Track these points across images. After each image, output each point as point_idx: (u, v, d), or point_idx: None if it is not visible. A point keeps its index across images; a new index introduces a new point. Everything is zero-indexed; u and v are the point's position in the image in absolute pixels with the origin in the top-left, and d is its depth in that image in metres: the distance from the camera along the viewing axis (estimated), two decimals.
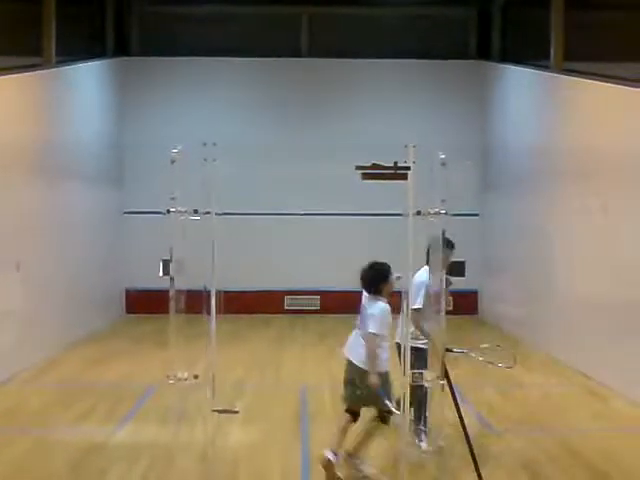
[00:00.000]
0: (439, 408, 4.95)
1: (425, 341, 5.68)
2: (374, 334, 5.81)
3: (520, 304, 12.54)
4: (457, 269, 4.92)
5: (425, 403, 5.70)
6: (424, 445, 6.22)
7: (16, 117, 10.07)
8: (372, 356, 5.76)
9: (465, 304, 10.14)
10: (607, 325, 9.17)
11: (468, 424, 5.40)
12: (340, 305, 14.84)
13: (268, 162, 14.34)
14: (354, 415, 5.96)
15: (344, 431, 5.92)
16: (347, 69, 15.28)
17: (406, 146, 4.66)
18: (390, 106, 15.14)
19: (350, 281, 15.14)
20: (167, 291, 4.94)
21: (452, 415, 5.44)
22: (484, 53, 15.32)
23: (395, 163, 4.62)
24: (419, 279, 6.13)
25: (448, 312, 5.03)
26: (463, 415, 5.41)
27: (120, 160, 14.94)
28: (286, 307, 15.33)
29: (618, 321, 8.86)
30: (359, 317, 6.18)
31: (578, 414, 8.14)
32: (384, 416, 5.78)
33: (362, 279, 6.33)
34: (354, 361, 5.93)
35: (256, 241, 14.97)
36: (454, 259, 5.11)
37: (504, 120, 14.23)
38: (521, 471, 6.17)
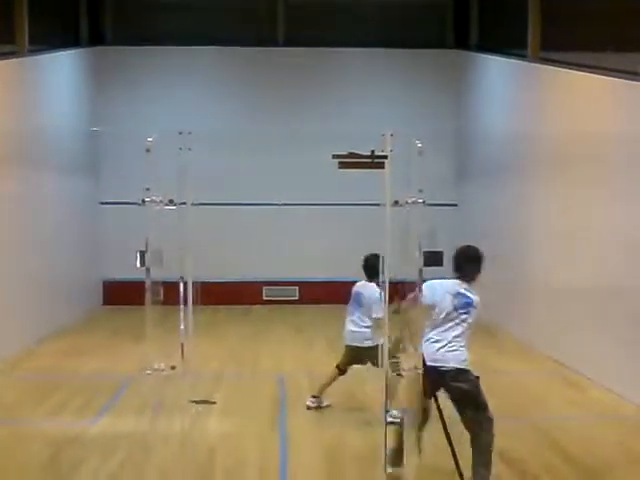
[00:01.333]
0: (416, 399, 4.96)
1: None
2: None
3: (498, 293, 12.59)
4: (435, 259, 4.91)
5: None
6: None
7: None
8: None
9: None
10: (584, 314, 9.25)
11: (446, 413, 5.41)
12: (319, 295, 14.90)
13: (244, 151, 14.29)
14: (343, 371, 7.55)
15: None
16: (324, 58, 15.23)
17: (383, 135, 4.65)
18: (367, 95, 15.13)
19: (328, 271, 15.27)
20: (144, 282, 4.90)
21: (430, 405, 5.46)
22: (461, 42, 15.33)
23: (372, 152, 4.61)
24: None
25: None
26: (440, 403, 5.43)
27: (95, 150, 14.79)
28: (264, 298, 15.30)
29: (595, 310, 8.94)
30: (352, 303, 7.36)
31: (555, 402, 8.21)
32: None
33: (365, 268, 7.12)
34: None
35: (233, 231, 14.92)
36: (432, 249, 5.10)
37: (481, 109, 14.26)
38: (497, 459, 6.19)
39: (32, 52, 11.69)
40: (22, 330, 10.62)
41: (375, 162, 4.55)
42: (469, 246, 5.79)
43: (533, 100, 11.41)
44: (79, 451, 6.39)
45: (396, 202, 4.69)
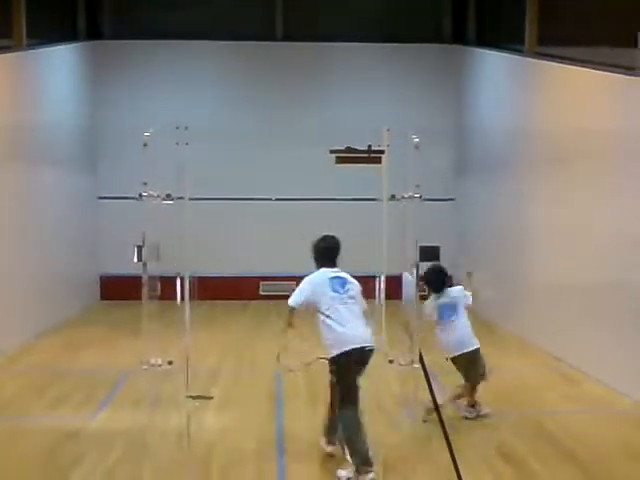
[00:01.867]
0: (413, 392, 4.98)
1: None
2: None
3: (494, 288, 12.61)
4: (431, 254, 4.93)
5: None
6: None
7: None
8: None
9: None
10: (582, 309, 9.26)
11: (442, 407, 5.42)
12: None
13: (241, 146, 14.28)
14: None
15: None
16: (322, 53, 15.21)
17: (380, 129, 4.66)
18: (365, 90, 15.10)
19: None
20: (142, 277, 4.91)
21: (426, 398, 5.48)
22: (459, 37, 15.32)
23: (369, 147, 4.62)
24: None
25: (423, 297, 5.06)
26: (437, 398, 5.44)
27: (93, 144, 14.78)
28: (261, 293, 15.29)
29: (593, 306, 8.95)
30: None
31: (550, 396, 8.23)
32: None
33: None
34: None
35: (230, 226, 14.91)
36: (428, 244, 5.11)
37: (479, 104, 14.26)
38: (494, 453, 6.23)
39: (30, 46, 11.67)
40: (20, 325, 10.62)
41: (372, 157, 4.56)
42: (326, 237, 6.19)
43: (530, 95, 11.41)
44: (77, 446, 6.40)
45: (393, 197, 4.70)
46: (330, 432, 5.96)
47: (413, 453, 5.67)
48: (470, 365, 7.12)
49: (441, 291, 7.24)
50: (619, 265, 8.30)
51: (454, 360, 7.15)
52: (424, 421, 6.44)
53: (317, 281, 5.87)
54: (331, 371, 5.71)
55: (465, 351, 7.11)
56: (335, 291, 5.79)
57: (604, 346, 8.52)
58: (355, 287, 5.90)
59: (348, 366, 5.59)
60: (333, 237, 6.25)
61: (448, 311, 7.18)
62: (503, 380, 8.78)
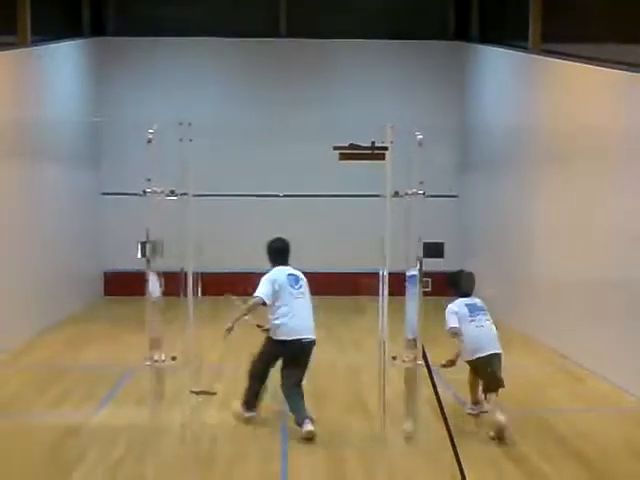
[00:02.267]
0: (416, 389, 4.96)
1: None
2: None
3: (498, 285, 12.60)
4: (435, 250, 4.91)
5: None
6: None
7: None
8: None
9: (443, 285, 10.17)
10: (584, 306, 9.25)
11: (446, 404, 5.42)
12: (319, 287, 14.84)
13: (245, 142, 14.25)
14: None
15: None
16: (325, 49, 15.20)
17: (384, 126, 4.64)
18: (368, 86, 15.09)
19: (329, 262, 15.25)
20: (145, 273, 4.90)
21: (430, 395, 5.47)
22: (463, 34, 15.28)
23: (372, 143, 4.60)
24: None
25: (426, 294, 5.03)
26: (441, 395, 5.43)
27: (97, 141, 14.79)
28: None
29: (597, 303, 8.94)
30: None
31: (555, 394, 8.22)
32: None
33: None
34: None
35: (234, 222, 14.91)
36: (432, 241, 5.09)
37: (483, 101, 14.23)
38: (498, 450, 6.22)
39: (34, 43, 11.66)
40: (24, 321, 10.63)
41: (375, 154, 4.55)
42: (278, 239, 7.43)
43: (534, 92, 11.39)
44: (80, 442, 6.41)
45: (396, 193, 4.69)
46: (251, 399, 6.96)
47: (416, 451, 5.66)
48: (495, 368, 6.93)
49: (469, 297, 7.32)
50: (623, 262, 8.28)
51: (479, 361, 6.92)
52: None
53: (278, 278, 6.94)
54: (264, 345, 6.98)
55: (493, 352, 6.95)
56: (292, 287, 6.91)
57: (609, 343, 8.51)
58: (305, 283, 7.04)
59: (293, 351, 6.77)
60: (284, 239, 7.46)
61: (477, 310, 7.17)
62: (508, 378, 8.76)
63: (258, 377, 6.97)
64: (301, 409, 6.64)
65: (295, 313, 6.81)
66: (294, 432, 6.63)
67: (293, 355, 6.79)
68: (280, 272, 7.01)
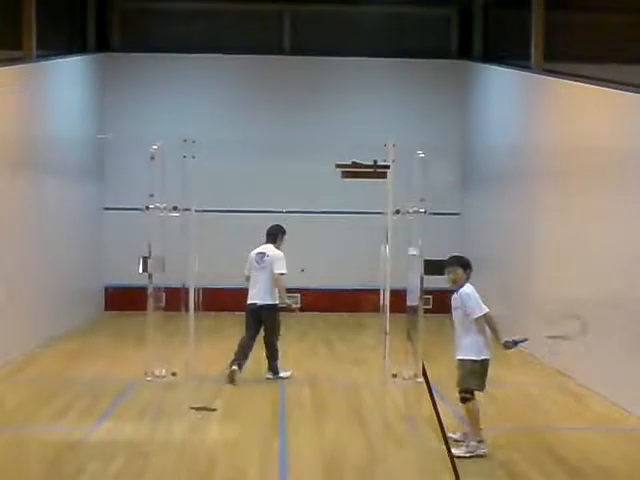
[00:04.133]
0: (417, 406, 4.97)
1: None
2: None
3: (499, 302, 12.58)
4: (436, 268, 4.94)
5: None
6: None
7: None
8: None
9: (445, 302, 10.21)
10: (584, 324, 9.23)
11: (446, 422, 5.41)
12: (321, 303, 14.90)
13: (248, 159, 14.32)
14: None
15: None
16: (329, 67, 15.28)
17: (386, 145, 4.68)
18: (371, 104, 15.16)
19: (331, 279, 15.34)
20: (147, 288, 4.92)
21: (430, 413, 5.47)
22: (465, 52, 15.37)
23: (375, 162, 4.64)
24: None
25: (427, 311, 5.05)
26: (440, 413, 5.43)
27: (100, 156, 14.85)
28: None
29: (598, 321, 8.91)
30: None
31: (555, 412, 8.20)
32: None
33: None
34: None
35: (236, 238, 14.91)
36: (433, 258, 5.13)
37: (485, 119, 14.29)
38: (498, 469, 6.20)
39: (39, 58, 11.74)
40: (25, 335, 10.64)
41: (377, 172, 4.58)
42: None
43: (536, 111, 11.43)
44: (80, 456, 6.39)
45: (398, 211, 4.72)
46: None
47: (416, 468, 5.65)
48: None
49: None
50: (624, 281, 8.28)
51: (484, 363, 6.49)
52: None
53: (250, 256, 9.24)
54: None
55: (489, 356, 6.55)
56: (257, 263, 9.11)
57: (609, 362, 8.49)
58: (269, 259, 9.00)
59: (247, 313, 9.24)
60: (275, 225, 9.47)
61: None
62: (508, 396, 8.76)
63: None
64: (240, 356, 8.89)
65: (254, 283, 9.10)
66: (293, 449, 6.62)
67: (248, 315, 9.22)
68: (253, 252, 9.21)
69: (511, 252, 12.18)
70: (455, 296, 6.62)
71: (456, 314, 6.64)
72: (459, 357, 6.52)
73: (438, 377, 6.46)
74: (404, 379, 4.87)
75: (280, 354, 9.37)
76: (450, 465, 5.29)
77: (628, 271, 8.18)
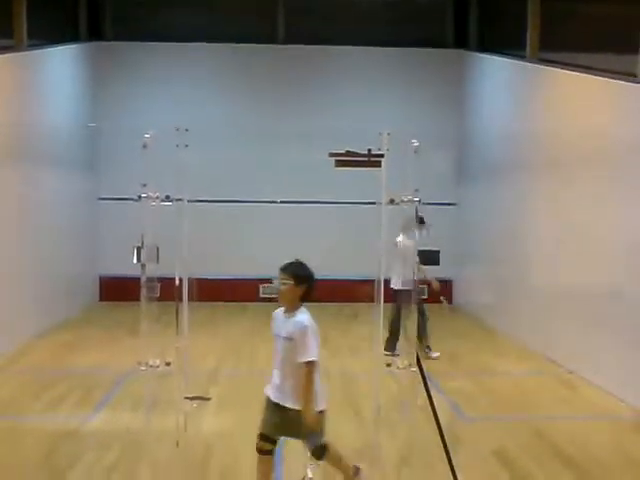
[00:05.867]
0: (412, 396, 4.97)
1: None
2: None
3: (493, 293, 12.63)
4: (431, 258, 4.93)
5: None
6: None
7: None
8: None
9: (440, 293, 10.29)
10: (578, 314, 9.27)
11: (440, 411, 5.42)
12: (316, 293, 14.89)
13: (241, 149, 14.26)
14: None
15: None
16: (323, 56, 15.23)
17: (380, 134, 4.65)
18: (366, 94, 15.12)
19: (324, 269, 15.22)
20: (140, 278, 4.90)
21: (424, 403, 5.47)
22: (461, 42, 15.34)
23: (369, 150, 4.61)
24: None
25: (423, 300, 5.05)
26: (435, 403, 5.44)
27: (94, 146, 14.79)
28: (261, 295, 15.29)
29: (589, 310, 8.96)
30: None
31: (548, 401, 8.23)
32: None
33: None
34: None
35: (229, 228, 14.92)
36: (429, 248, 5.10)
37: (481, 109, 14.27)
38: (492, 457, 6.23)
39: (31, 47, 11.67)
40: (19, 325, 10.62)
41: (372, 161, 4.56)
42: None
43: (532, 100, 11.42)
44: (75, 446, 6.40)
45: (392, 201, 4.70)
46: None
47: (410, 458, 5.66)
48: None
49: None
50: (619, 271, 8.30)
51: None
52: None
53: None
54: None
55: None
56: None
57: (603, 352, 8.52)
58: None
59: None
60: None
61: None
62: (501, 385, 8.79)
63: None
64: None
65: None
66: (288, 439, 6.62)
67: None
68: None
69: (508, 242, 12.19)
70: (282, 318, 5.10)
71: (283, 345, 5.05)
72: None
73: (431, 367, 6.49)
74: (398, 368, 4.86)
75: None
76: (444, 453, 5.29)
77: (625, 261, 8.19)
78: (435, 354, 10.01)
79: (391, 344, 9.41)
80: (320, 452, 5.07)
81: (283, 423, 5.02)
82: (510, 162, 12.28)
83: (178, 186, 4.94)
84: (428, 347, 9.99)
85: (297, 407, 4.89)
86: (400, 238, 9.20)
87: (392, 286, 9.56)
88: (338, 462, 5.23)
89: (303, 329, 4.82)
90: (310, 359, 4.78)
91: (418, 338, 9.49)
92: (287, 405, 4.96)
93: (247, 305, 14.69)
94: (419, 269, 7.95)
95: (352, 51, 15.21)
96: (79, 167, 14.07)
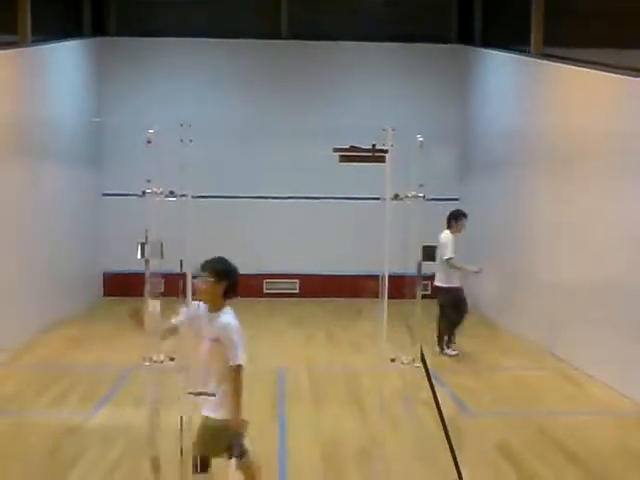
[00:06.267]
0: (415, 390, 4.97)
1: None
2: None
3: (497, 288, 12.61)
4: (428, 253, 4.91)
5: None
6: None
7: None
8: None
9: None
10: (582, 310, 9.26)
11: (444, 407, 5.42)
12: (319, 289, 14.92)
13: (246, 144, 14.26)
14: None
15: None
16: (327, 52, 15.21)
17: (384, 129, 4.64)
18: (370, 89, 15.10)
19: (329, 265, 15.31)
20: (144, 274, 4.90)
21: (428, 398, 5.46)
22: (465, 37, 15.30)
23: (373, 146, 4.60)
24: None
25: (425, 296, 5.03)
26: (439, 397, 5.44)
27: (99, 141, 14.80)
28: (265, 291, 15.31)
29: (593, 306, 8.95)
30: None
31: (552, 397, 8.23)
32: None
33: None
34: None
35: (234, 224, 14.92)
36: (427, 244, 5.09)
37: (485, 104, 14.24)
38: (495, 453, 6.23)
39: (35, 42, 11.67)
40: (23, 321, 10.64)
41: (376, 156, 4.55)
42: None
43: (536, 96, 11.40)
44: (79, 442, 6.42)
45: (396, 196, 4.69)
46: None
47: (414, 452, 5.67)
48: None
49: None
50: (622, 266, 8.29)
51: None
52: None
53: None
54: None
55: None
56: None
57: (606, 347, 8.52)
58: (439, 245, 9.48)
59: None
60: (454, 210, 10.51)
61: None
62: (504, 380, 8.79)
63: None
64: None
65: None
66: (292, 434, 6.64)
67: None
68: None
69: (511, 237, 12.18)
70: (205, 317, 4.89)
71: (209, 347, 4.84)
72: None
73: (435, 362, 6.49)
74: (402, 364, 4.86)
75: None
76: (448, 448, 5.29)
77: (627, 255, 8.18)
78: (453, 352, 9.93)
79: (445, 340, 9.94)
80: (243, 453, 4.92)
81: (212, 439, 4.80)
82: (514, 158, 12.26)
83: (182, 182, 4.94)
84: (448, 344, 9.99)
85: (226, 417, 4.71)
86: (444, 235, 9.76)
87: (435, 283, 9.83)
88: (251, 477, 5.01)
89: (229, 331, 4.68)
90: (238, 363, 4.65)
91: (439, 334, 9.98)
92: (215, 416, 4.79)
93: (252, 301, 14.70)
94: (452, 265, 9.48)
95: (356, 47, 15.18)
96: (83, 162, 14.08)
